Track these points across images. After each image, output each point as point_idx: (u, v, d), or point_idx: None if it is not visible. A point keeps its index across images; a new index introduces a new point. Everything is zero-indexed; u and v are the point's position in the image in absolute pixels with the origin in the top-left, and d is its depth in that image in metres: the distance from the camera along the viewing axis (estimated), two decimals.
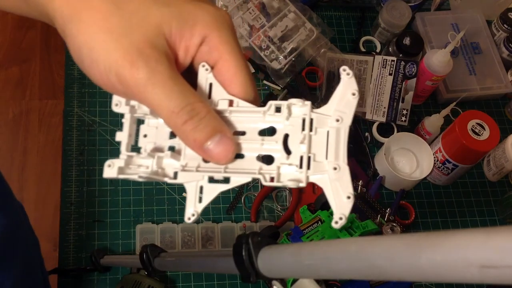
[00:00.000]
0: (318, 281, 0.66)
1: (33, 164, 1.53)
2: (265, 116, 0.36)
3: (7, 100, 1.60)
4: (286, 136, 0.35)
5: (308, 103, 0.35)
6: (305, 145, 0.34)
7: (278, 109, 0.36)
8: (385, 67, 0.91)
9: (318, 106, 0.35)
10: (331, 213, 0.74)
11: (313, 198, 0.82)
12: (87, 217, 0.81)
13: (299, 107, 0.35)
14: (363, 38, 1.00)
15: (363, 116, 0.91)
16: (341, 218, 0.32)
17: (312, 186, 0.84)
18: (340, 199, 0.33)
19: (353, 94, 0.34)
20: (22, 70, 1.64)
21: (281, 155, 0.35)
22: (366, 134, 0.91)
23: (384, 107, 0.90)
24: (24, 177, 1.52)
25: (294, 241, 0.73)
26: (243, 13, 0.92)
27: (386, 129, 0.91)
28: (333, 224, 0.32)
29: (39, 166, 1.53)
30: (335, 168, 0.33)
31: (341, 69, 0.35)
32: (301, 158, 0.34)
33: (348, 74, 0.34)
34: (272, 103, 0.35)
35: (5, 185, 0.66)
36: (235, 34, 0.36)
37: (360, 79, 0.92)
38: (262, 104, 0.36)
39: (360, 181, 0.81)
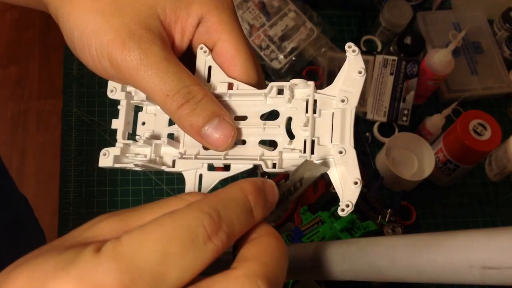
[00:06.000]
0: (319, 283, 0.66)
1: (32, 164, 1.53)
2: (267, 99, 0.34)
3: (5, 99, 1.59)
4: (289, 120, 0.33)
5: (311, 83, 0.33)
6: (309, 128, 0.32)
7: (280, 92, 0.34)
8: (386, 67, 0.91)
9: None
10: (332, 214, 0.74)
11: (314, 199, 0.82)
12: (86, 218, 0.80)
13: (302, 88, 0.33)
14: (364, 38, 1.00)
15: (364, 116, 0.90)
16: (347, 206, 0.30)
17: (313, 186, 0.84)
18: (347, 185, 0.31)
19: (360, 73, 0.31)
20: (21, 70, 1.63)
21: (283, 140, 0.33)
22: (367, 134, 0.91)
23: (385, 107, 0.90)
24: (22, 178, 1.51)
25: (294, 242, 0.73)
26: (242, 12, 0.91)
27: (387, 129, 0.91)
28: (340, 212, 0.30)
29: (37, 167, 1.53)
30: (340, 152, 0.31)
31: (346, 46, 0.32)
32: (305, 142, 0.32)
33: (354, 51, 0.32)
34: (273, 85, 0.33)
35: (9, 178, 0.65)
36: (235, 13, 0.34)
37: None
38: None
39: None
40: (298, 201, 0.83)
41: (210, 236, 0.21)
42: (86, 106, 0.87)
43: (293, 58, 0.91)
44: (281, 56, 0.91)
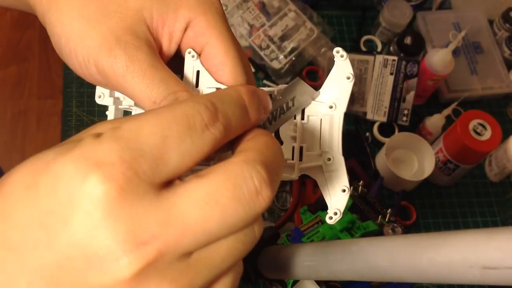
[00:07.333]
0: (319, 283, 0.66)
1: None
2: None
3: (5, 99, 1.60)
4: None
5: None
6: (297, 135, 0.32)
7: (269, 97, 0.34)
8: (386, 67, 0.91)
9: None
10: None
11: (314, 199, 0.82)
12: None
13: None
14: (364, 38, 1.00)
15: (364, 116, 0.90)
16: (335, 213, 0.30)
17: (313, 187, 0.84)
18: (335, 192, 0.31)
19: (348, 78, 0.31)
20: (21, 70, 1.64)
21: None
22: (367, 134, 0.91)
23: (385, 107, 0.90)
24: None
25: (294, 242, 0.73)
26: (243, 12, 0.91)
27: (387, 129, 0.91)
28: (327, 220, 0.30)
29: None
30: (329, 159, 0.31)
31: (334, 51, 0.31)
32: (293, 149, 0.32)
33: (342, 56, 0.31)
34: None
35: None
36: (224, 17, 0.33)
37: (361, 79, 0.92)
38: None
39: (361, 182, 0.81)
40: (298, 201, 0.83)
41: (208, 124, 0.22)
42: (86, 106, 0.87)
43: (293, 58, 0.91)
44: (281, 56, 0.91)
